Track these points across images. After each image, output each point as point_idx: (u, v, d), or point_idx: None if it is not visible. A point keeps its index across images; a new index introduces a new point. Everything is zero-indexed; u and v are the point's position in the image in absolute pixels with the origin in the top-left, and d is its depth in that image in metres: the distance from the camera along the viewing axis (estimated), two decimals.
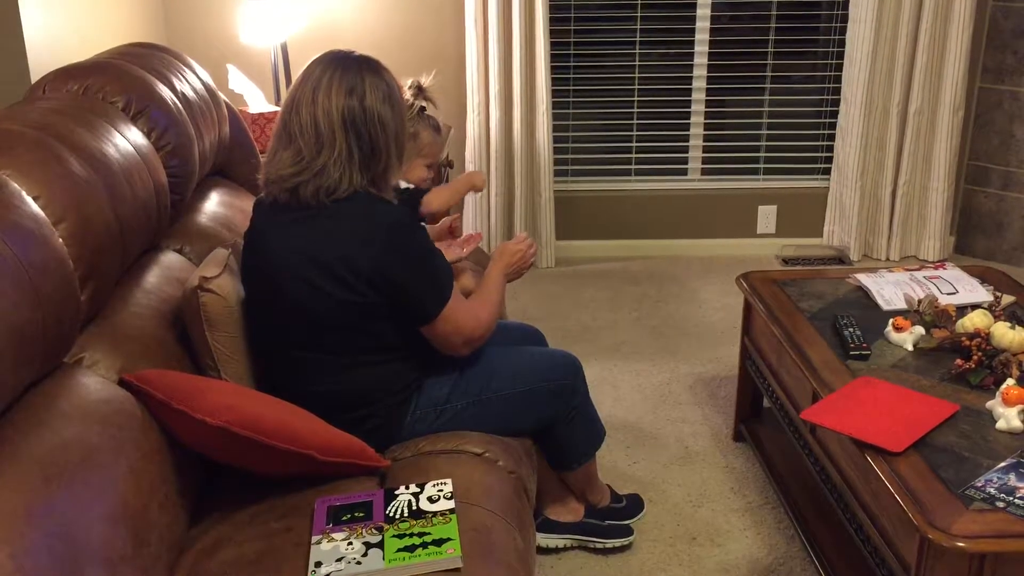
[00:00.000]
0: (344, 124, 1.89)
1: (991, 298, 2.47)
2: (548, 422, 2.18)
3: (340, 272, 1.87)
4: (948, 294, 2.49)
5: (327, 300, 1.89)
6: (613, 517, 2.43)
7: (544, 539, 2.36)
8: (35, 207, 1.57)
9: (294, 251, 1.90)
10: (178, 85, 2.44)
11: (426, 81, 2.55)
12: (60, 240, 1.59)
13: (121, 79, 2.19)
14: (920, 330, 2.28)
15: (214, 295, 1.91)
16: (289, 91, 1.96)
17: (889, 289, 2.55)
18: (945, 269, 2.67)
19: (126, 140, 2.01)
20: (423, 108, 2.51)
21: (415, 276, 1.93)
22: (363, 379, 1.99)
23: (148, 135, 2.16)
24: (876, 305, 2.50)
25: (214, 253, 2.06)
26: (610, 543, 2.38)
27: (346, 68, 1.92)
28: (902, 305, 2.46)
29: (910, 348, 2.26)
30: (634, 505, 2.50)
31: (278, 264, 1.92)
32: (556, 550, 2.38)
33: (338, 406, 1.97)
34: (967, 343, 2.16)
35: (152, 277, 2.06)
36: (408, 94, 2.54)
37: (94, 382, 1.66)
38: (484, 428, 2.07)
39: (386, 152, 1.95)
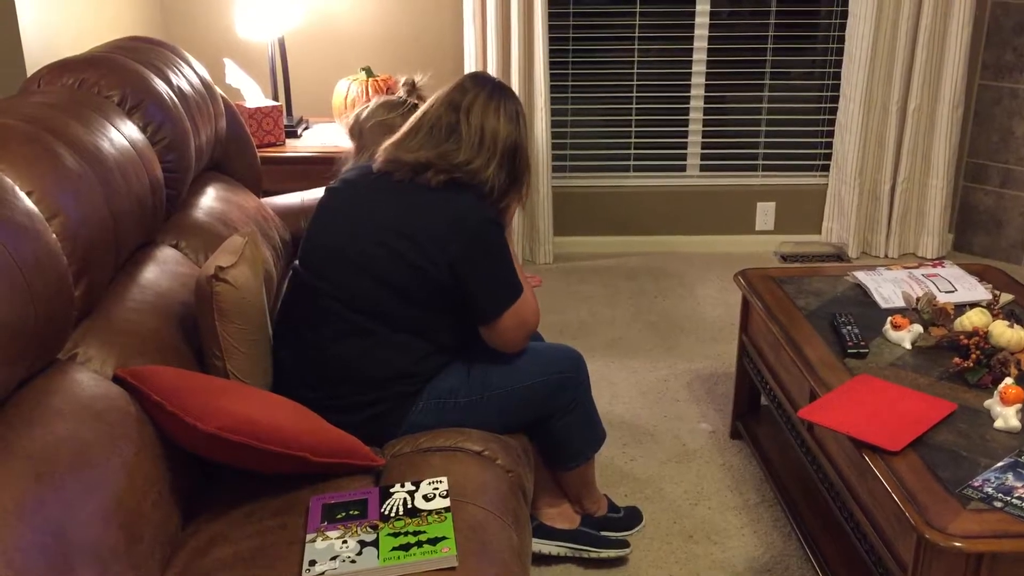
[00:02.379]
0: (506, 148, 2.04)
1: (989, 296, 2.47)
2: (551, 413, 2.16)
3: (420, 239, 1.96)
4: (946, 292, 2.49)
5: (398, 263, 1.97)
6: (609, 527, 2.39)
7: (537, 544, 2.31)
8: (28, 202, 1.55)
9: (384, 215, 2.00)
10: (174, 79, 2.42)
11: (420, 80, 2.56)
12: (54, 236, 1.58)
13: (117, 73, 2.18)
14: (918, 328, 2.27)
15: (228, 286, 1.91)
16: (447, 93, 2.07)
17: (887, 287, 2.54)
18: (944, 267, 2.67)
19: (121, 135, 2.00)
20: (415, 105, 2.51)
21: (490, 270, 2.01)
22: (391, 358, 2.02)
23: (144, 130, 2.15)
24: (874, 303, 2.49)
25: (230, 240, 2.04)
26: (604, 553, 2.33)
27: (509, 97, 2.09)
28: (900, 303, 2.46)
29: (908, 346, 2.25)
30: (632, 517, 2.46)
31: (361, 224, 2.01)
32: (549, 558, 2.34)
33: (354, 381, 2.01)
34: (965, 341, 2.15)
35: (148, 272, 2.04)
36: (401, 91, 2.55)
37: (88, 378, 1.65)
38: (488, 421, 2.07)
39: (518, 184, 2.09)
